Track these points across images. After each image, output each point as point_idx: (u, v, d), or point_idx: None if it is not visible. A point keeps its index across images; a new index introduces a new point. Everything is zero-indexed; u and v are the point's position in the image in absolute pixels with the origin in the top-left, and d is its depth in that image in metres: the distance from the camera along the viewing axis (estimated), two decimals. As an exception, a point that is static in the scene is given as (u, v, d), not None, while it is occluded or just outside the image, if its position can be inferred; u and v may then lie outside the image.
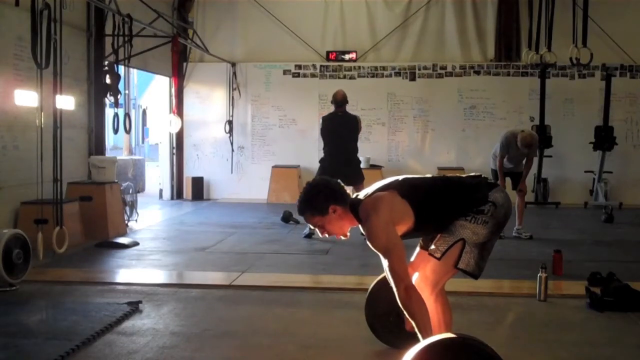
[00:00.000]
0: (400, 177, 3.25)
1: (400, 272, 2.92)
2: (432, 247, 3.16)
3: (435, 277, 3.17)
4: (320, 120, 7.94)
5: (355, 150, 7.80)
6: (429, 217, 3.12)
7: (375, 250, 3.06)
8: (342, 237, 3.26)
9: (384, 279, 3.77)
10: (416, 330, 2.91)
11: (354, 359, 3.78)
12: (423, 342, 2.64)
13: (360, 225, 3.20)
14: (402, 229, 3.08)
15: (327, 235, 3.23)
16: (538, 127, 10.97)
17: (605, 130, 10.98)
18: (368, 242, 3.07)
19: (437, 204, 3.15)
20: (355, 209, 3.14)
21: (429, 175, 3.31)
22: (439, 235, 3.17)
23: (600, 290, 4.83)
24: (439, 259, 3.12)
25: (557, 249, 5.89)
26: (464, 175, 3.31)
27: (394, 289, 2.95)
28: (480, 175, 3.31)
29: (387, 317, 3.74)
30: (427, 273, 3.17)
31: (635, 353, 3.92)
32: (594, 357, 3.83)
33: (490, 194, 3.14)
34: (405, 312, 2.93)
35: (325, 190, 3.18)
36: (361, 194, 3.22)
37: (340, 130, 7.62)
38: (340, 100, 7.71)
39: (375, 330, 3.82)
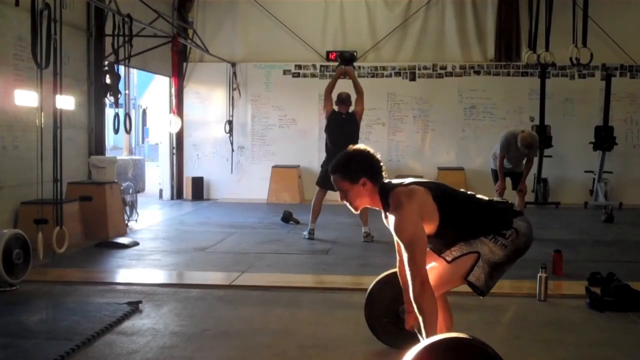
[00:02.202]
0: (436, 181, 3.25)
1: (420, 266, 2.92)
2: (446, 251, 3.15)
3: (439, 282, 3.14)
4: (326, 115, 7.90)
5: None
6: (452, 226, 3.11)
7: (398, 240, 3.03)
8: (353, 210, 3.25)
9: (384, 279, 3.78)
10: (421, 326, 2.91)
11: (354, 359, 3.78)
12: (425, 341, 2.64)
13: (383, 210, 3.18)
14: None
15: (343, 201, 3.21)
16: (538, 127, 10.98)
17: (605, 130, 10.99)
18: (392, 231, 3.05)
19: (463, 216, 3.15)
20: (386, 193, 3.12)
21: (462, 190, 3.29)
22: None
23: (600, 290, 4.83)
24: (448, 262, 3.11)
25: (557, 249, 5.89)
26: (494, 199, 3.32)
27: (409, 282, 2.94)
28: (507, 201, 3.32)
29: (387, 317, 3.75)
30: (432, 276, 3.15)
31: (635, 353, 3.92)
32: (594, 357, 3.84)
33: (515, 220, 3.15)
34: (415, 307, 2.92)
35: (365, 161, 3.17)
36: (395, 181, 3.21)
37: (343, 130, 7.62)
38: (344, 99, 7.76)
39: (375, 330, 3.82)
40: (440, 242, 3.15)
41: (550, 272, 5.40)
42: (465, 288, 3.24)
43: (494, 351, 2.55)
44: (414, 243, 2.94)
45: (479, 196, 3.31)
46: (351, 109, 7.83)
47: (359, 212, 3.29)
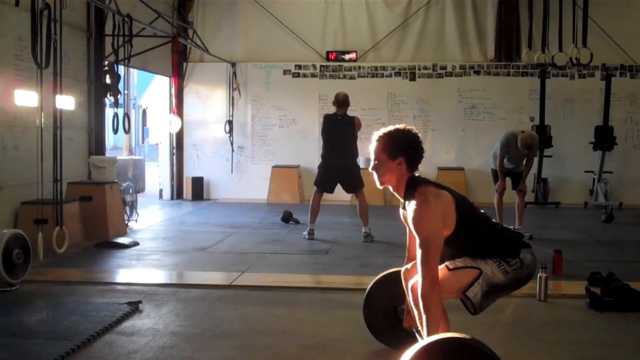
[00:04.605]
0: (461, 193, 3.23)
1: (432, 264, 2.92)
2: (449, 261, 3.16)
3: None
4: (322, 120, 7.89)
5: (355, 154, 7.78)
6: (464, 238, 3.11)
7: (415, 234, 3.01)
8: (378, 184, 3.22)
9: (382, 279, 3.79)
10: (423, 325, 2.91)
11: (353, 359, 3.78)
12: (424, 341, 2.65)
13: (402, 199, 3.16)
14: None
15: (373, 171, 3.18)
16: (538, 127, 10.98)
17: (605, 130, 10.99)
18: (410, 224, 3.04)
19: (477, 233, 3.15)
20: (415, 184, 3.09)
21: (482, 211, 3.29)
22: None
23: (600, 290, 4.83)
24: (450, 269, 3.11)
25: (557, 249, 5.89)
26: (511, 227, 3.34)
27: (419, 279, 2.94)
28: (519, 232, 3.34)
29: (385, 317, 3.75)
30: None
31: (635, 353, 3.92)
32: (594, 357, 3.84)
33: (522, 251, 3.17)
34: (421, 304, 2.92)
35: (411, 143, 3.14)
36: (428, 178, 3.18)
37: (339, 132, 7.60)
38: (341, 101, 7.66)
39: (374, 329, 3.83)
40: (446, 251, 3.14)
41: (550, 272, 5.40)
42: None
43: (491, 351, 2.55)
44: (431, 242, 2.94)
45: (494, 220, 3.33)
46: (350, 114, 7.79)
47: (381, 187, 3.25)
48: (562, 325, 4.46)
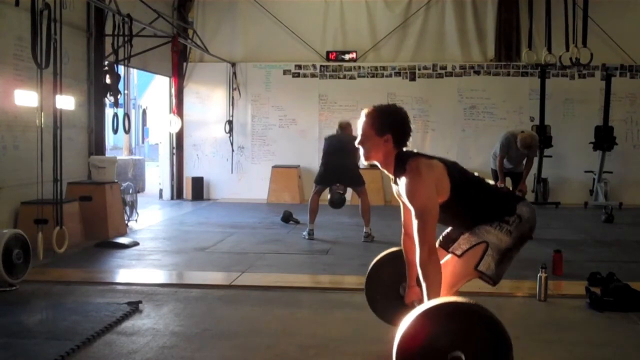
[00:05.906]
0: (452, 160, 3.27)
1: (428, 234, 2.95)
2: (454, 245, 3.19)
3: (453, 280, 3.16)
4: (323, 140, 8.19)
5: (356, 158, 7.89)
6: (459, 203, 3.12)
7: (409, 206, 3.03)
8: (363, 159, 3.23)
9: (385, 257, 3.82)
10: (424, 293, 2.93)
11: (353, 359, 3.78)
12: (423, 305, 2.68)
13: (393, 175, 3.17)
14: None
15: (359, 146, 3.18)
16: (538, 127, 10.98)
17: (605, 130, 10.99)
18: (404, 197, 3.06)
19: (472, 196, 3.17)
20: (404, 158, 3.10)
21: (476, 173, 3.31)
22: (461, 237, 3.20)
23: (600, 290, 4.83)
24: (459, 256, 3.13)
25: (557, 249, 5.89)
26: (502, 185, 3.37)
27: (417, 249, 2.96)
28: (509, 189, 3.36)
29: (388, 295, 3.78)
30: (446, 274, 3.14)
31: (635, 353, 3.92)
32: (594, 357, 3.84)
33: (518, 206, 3.19)
34: (420, 273, 2.95)
35: (399, 121, 3.16)
36: (416, 151, 3.20)
37: (341, 140, 7.80)
38: (344, 126, 7.99)
39: (376, 308, 3.86)
40: (442, 217, 3.13)
41: (550, 272, 5.40)
42: (466, 288, 3.24)
43: (492, 314, 2.57)
44: (426, 212, 2.96)
45: (487, 180, 3.36)
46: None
47: (366, 163, 3.28)
48: (562, 325, 4.45)
